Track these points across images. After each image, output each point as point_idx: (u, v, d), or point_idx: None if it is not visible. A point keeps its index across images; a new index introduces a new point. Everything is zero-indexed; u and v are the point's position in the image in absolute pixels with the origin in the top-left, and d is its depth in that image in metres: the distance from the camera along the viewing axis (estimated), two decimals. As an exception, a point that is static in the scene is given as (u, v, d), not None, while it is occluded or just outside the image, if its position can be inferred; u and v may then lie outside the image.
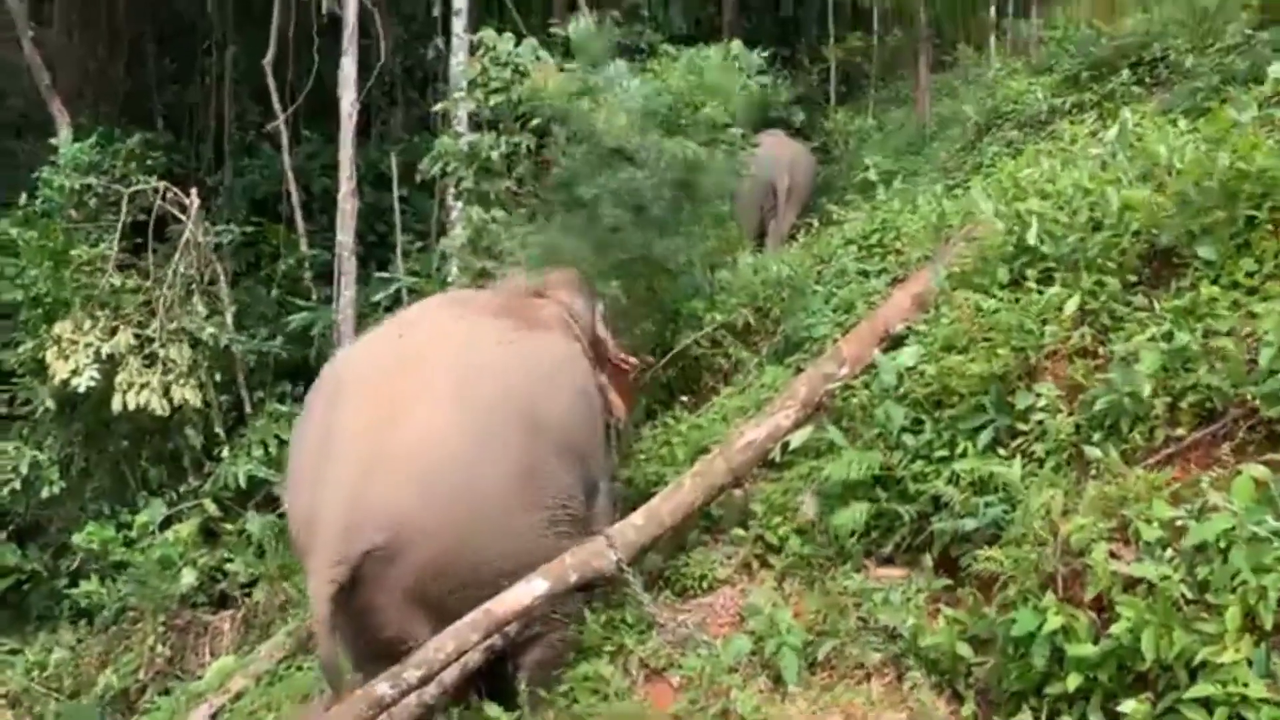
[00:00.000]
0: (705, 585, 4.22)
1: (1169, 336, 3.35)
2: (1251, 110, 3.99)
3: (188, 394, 8.80)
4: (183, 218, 9.81)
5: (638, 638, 3.70)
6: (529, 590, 3.52)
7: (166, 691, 7.24)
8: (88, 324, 8.70)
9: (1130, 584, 2.67)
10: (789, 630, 3.37)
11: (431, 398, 3.63)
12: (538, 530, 3.70)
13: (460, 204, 8.92)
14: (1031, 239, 4.20)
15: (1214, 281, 3.48)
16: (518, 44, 8.45)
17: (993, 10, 13.76)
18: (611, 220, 5.64)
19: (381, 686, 3.35)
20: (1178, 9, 7.83)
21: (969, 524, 3.49)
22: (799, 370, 5.48)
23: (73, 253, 9.05)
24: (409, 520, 3.41)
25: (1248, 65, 5.72)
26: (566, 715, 3.50)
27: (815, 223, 8.53)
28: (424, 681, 3.41)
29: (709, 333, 6.40)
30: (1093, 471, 3.18)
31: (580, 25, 6.75)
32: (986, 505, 3.46)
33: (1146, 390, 3.20)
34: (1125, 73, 7.63)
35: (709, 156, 5.85)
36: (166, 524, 8.50)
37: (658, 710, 3.31)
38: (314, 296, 10.94)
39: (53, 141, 10.61)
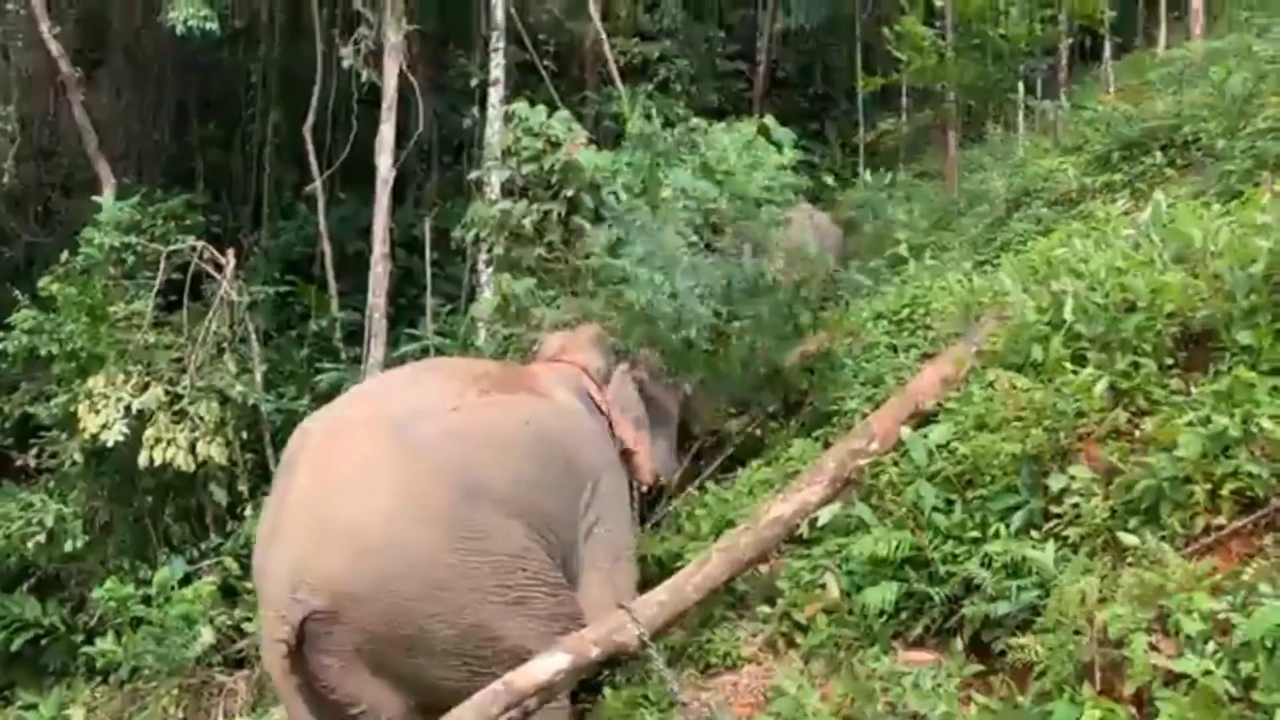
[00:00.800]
0: (729, 663, 4.15)
1: (1206, 421, 3.29)
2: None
3: (214, 451, 8.84)
4: (218, 276, 9.98)
5: (660, 716, 3.62)
6: (551, 664, 3.47)
7: (181, 754, 7.14)
8: (120, 379, 8.81)
9: (1171, 678, 2.59)
10: (815, 714, 3.29)
11: (371, 466, 3.75)
12: (482, 595, 3.69)
13: (491, 270, 9.04)
14: (1068, 314, 4.18)
15: (1252, 367, 3.43)
16: (550, 115, 8.63)
17: (1021, 89, 13.93)
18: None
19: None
20: (1207, 95, 7.87)
21: (1001, 608, 3.41)
22: (827, 444, 5.44)
23: (110, 309, 9.21)
24: (343, 587, 3.54)
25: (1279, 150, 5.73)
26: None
27: (845, 296, 8.54)
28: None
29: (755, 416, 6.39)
30: (1129, 558, 3.10)
31: (635, 120, 6.96)
32: (1019, 589, 3.40)
33: (1186, 476, 3.14)
34: (1157, 154, 7.66)
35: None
36: (186, 581, 8.48)
37: (679, 794, 3.22)
38: (343, 357, 11.04)
39: (96, 200, 10.88)
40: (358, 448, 3.83)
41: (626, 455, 4.93)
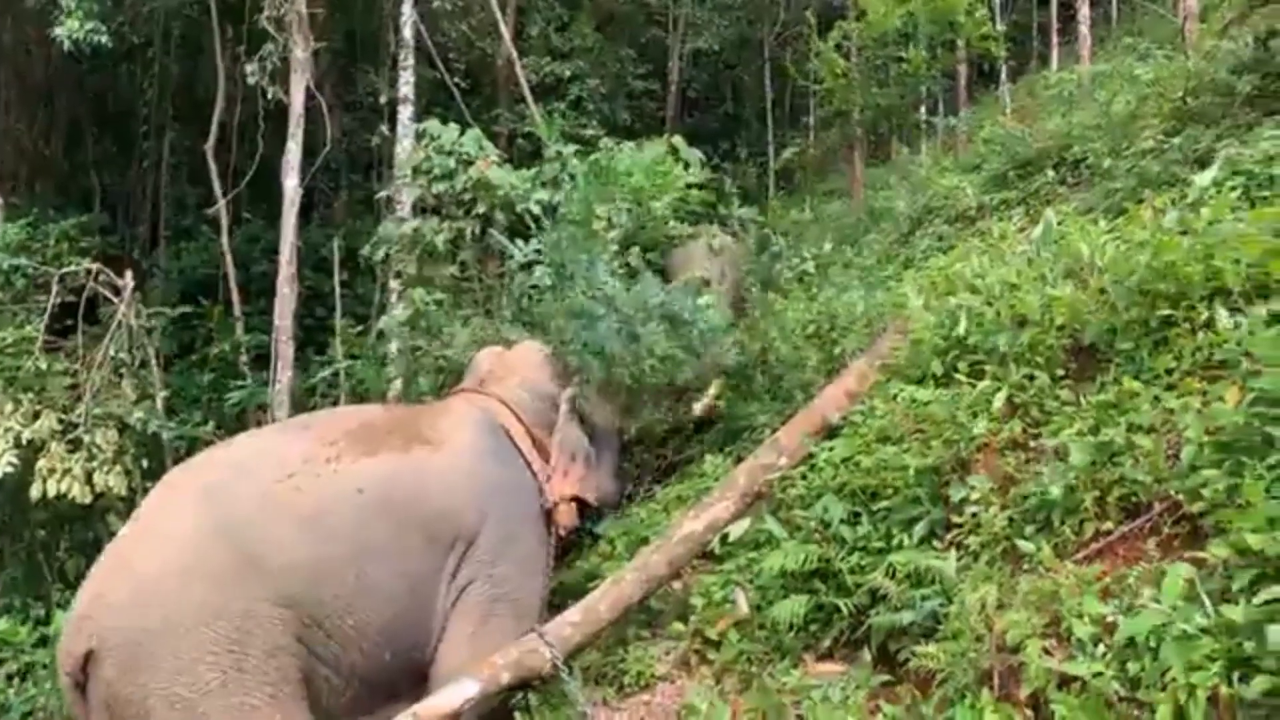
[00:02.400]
0: (643, 682, 4.14)
1: (1095, 430, 3.43)
2: (1173, 214, 4.17)
3: (112, 481, 8.48)
4: (115, 299, 9.62)
5: (575, 742, 3.59)
6: (460, 692, 3.42)
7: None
8: (9, 408, 8.40)
9: (1064, 681, 2.67)
10: (727, 731, 3.31)
11: (174, 521, 3.71)
12: (203, 685, 3.44)
13: (400, 287, 8.92)
14: (961, 330, 4.31)
15: (1135, 377, 3.58)
16: (462, 133, 8.58)
17: (923, 110, 14.38)
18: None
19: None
20: (1095, 116, 8.22)
21: (906, 617, 3.49)
22: (739, 459, 5.49)
23: (-2, 335, 8.80)
24: (104, 633, 3.47)
25: (1160, 169, 6.01)
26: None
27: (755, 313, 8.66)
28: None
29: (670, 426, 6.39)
30: (1026, 565, 3.20)
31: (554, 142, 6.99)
32: (923, 599, 3.47)
33: (1075, 485, 3.26)
34: (1049, 172, 7.96)
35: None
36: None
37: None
38: (249, 381, 10.73)
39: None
40: (177, 501, 3.79)
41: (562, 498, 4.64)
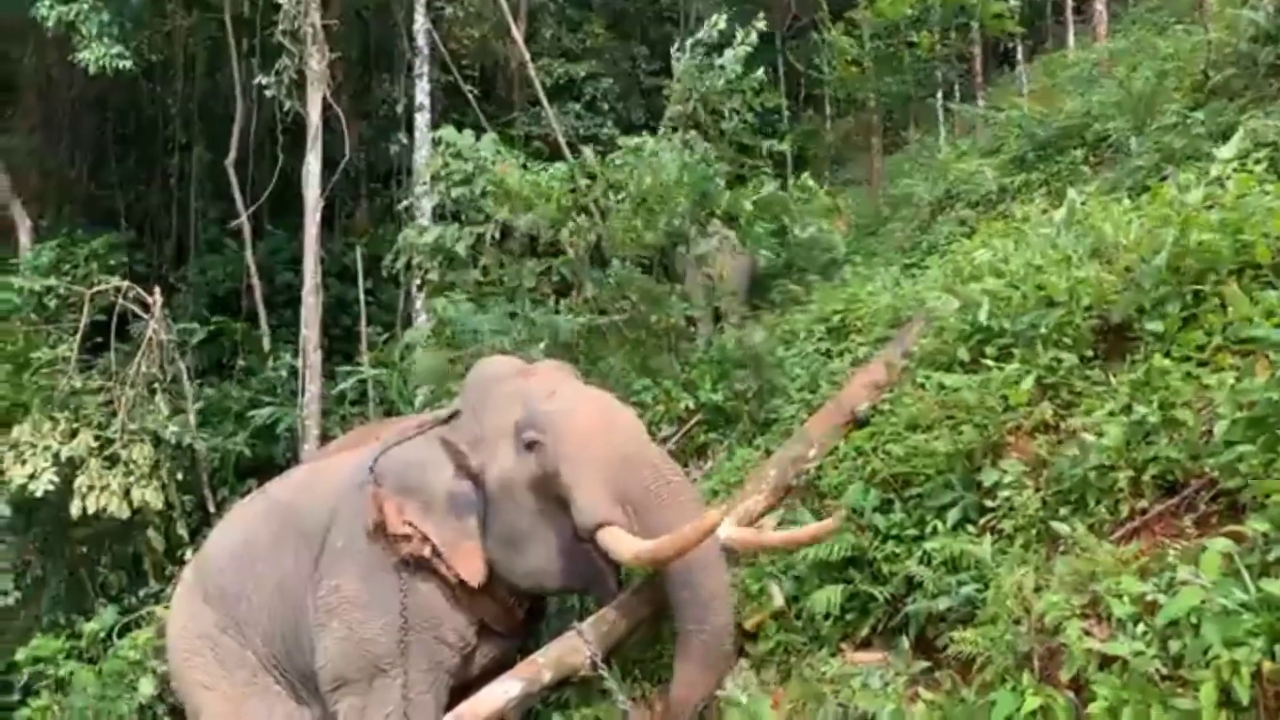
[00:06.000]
0: (682, 676, 4.13)
1: (1128, 410, 3.41)
2: (1197, 191, 4.14)
3: (149, 495, 8.61)
4: (145, 316, 9.76)
5: (614, 735, 3.61)
6: (503, 692, 3.46)
7: (125, 809, 6.91)
8: (46, 426, 8.54)
9: (1105, 662, 2.67)
10: (768, 720, 3.32)
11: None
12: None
13: (424, 294, 8.99)
14: (983, 318, 4.30)
15: (1166, 355, 3.56)
16: (478, 138, 8.63)
17: (939, 95, 14.30)
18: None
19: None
20: (1114, 93, 8.16)
21: (943, 603, 3.48)
22: (768, 452, 5.49)
23: (33, 355, 8.94)
24: None
25: (1184, 144, 5.95)
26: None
27: (778, 304, 8.66)
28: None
29: (684, 416, 6.41)
30: (1061, 547, 3.19)
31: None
32: (959, 584, 3.46)
33: (1110, 464, 3.25)
34: (1071, 153, 7.91)
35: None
36: (125, 630, 8.24)
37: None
38: (279, 391, 10.86)
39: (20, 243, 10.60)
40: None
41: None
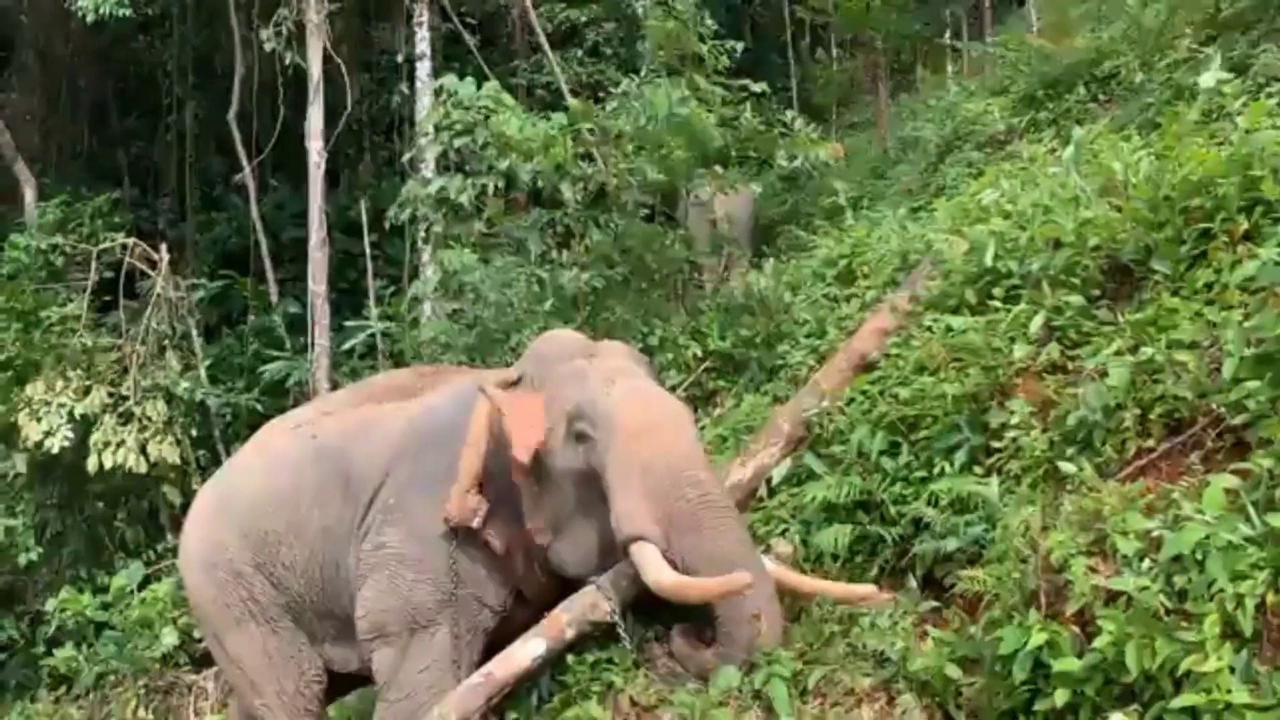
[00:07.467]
0: (693, 620, 4.20)
1: (1135, 349, 3.41)
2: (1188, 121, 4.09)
3: (165, 450, 8.71)
4: (151, 273, 9.78)
5: (626, 676, 3.67)
6: (529, 650, 3.56)
7: (153, 755, 7.12)
8: (60, 384, 8.61)
9: (1111, 597, 2.70)
10: (778, 660, 3.37)
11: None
12: (213, 606, 4.63)
13: (430, 247, 8.96)
14: (989, 260, 4.28)
15: (1174, 294, 3.55)
16: (479, 87, 8.53)
17: (948, 34, 14.07)
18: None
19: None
20: (1122, 29, 8.02)
21: (950, 544, 3.52)
22: (776, 398, 5.52)
23: (43, 314, 8.99)
24: None
25: (1194, 80, 5.85)
26: (559, 758, 3.48)
27: (784, 251, 8.63)
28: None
29: (691, 364, 6.44)
30: (1068, 486, 3.22)
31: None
32: (966, 524, 3.50)
33: (1116, 404, 3.26)
34: (1080, 90, 7.79)
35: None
36: (145, 584, 8.39)
37: (651, 748, 3.30)
38: (288, 346, 10.89)
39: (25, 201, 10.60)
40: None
41: None
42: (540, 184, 7.68)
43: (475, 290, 7.01)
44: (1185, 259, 3.64)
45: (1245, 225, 3.49)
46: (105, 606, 7.99)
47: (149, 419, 8.80)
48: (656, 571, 3.47)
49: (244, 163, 12.17)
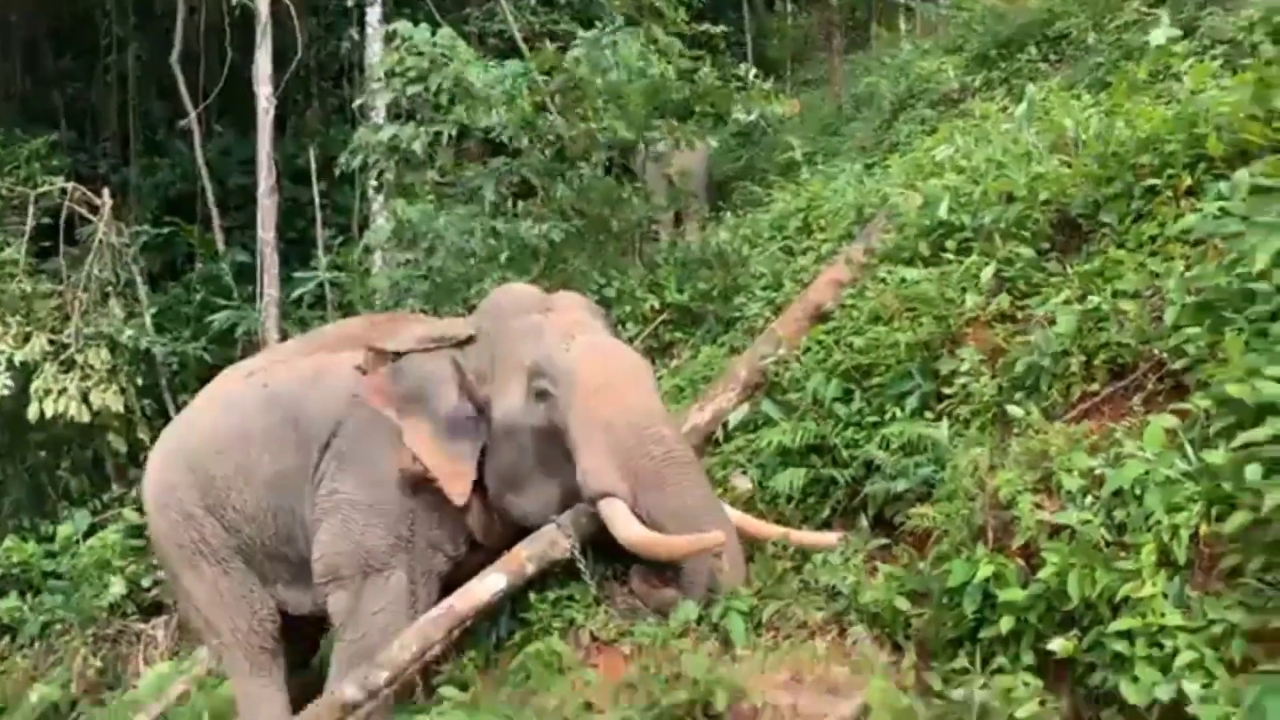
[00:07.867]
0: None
1: (1082, 299, 3.53)
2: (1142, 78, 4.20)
3: (109, 399, 8.57)
4: (92, 219, 9.53)
5: (586, 612, 3.76)
6: (489, 585, 3.60)
7: (101, 703, 7.07)
8: (-1, 331, 8.42)
9: (1055, 531, 2.83)
10: (734, 595, 3.48)
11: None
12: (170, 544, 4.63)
13: (382, 196, 8.84)
14: (943, 213, 4.39)
15: (1120, 246, 3.68)
16: (433, 33, 8.38)
17: (902, -8, 14.13)
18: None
19: (350, 689, 3.44)
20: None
21: (901, 485, 3.64)
22: (733, 349, 5.60)
23: (-22, 258, 8.75)
24: None
25: (1144, 39, 5.98)
26: (520, 690, 3.55)
27: (739, 206, 8.68)
28: (391, 682, 3.48)
29: (649, 316, 6.49)
30: (1015, 429, 3.34)
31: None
32: (917, 466, 3.62)
33: (1063, 350, 3.38)
34: (1031, 49, 7.91)
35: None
36: (92, 532, 8.29)
37: (611, 679, 3.38)
38: (235, 295, 10.72)
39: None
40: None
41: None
42: (496, 134, 7.62)
43: (431, 240, 6.94)
44: (1131, 213, 3.77)
45: (1189, 181, 3.62)
46: (51, 555, 7.89)
47: (91, 367, 8.65)
48: (625, 528, 3.53)
49: (189, 107, 11.85)
